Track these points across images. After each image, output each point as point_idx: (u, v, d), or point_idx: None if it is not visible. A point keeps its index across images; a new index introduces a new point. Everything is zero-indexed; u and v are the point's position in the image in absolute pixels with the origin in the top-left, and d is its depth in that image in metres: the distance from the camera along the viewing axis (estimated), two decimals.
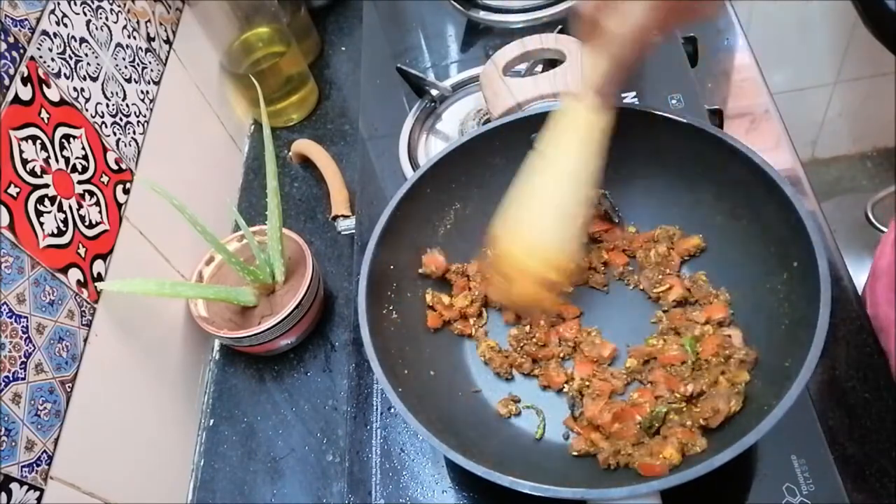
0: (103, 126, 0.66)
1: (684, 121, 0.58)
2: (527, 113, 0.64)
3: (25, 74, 0.57)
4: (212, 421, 0.74)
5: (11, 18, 0.57)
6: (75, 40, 0.64)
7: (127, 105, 0.70)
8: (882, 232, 1.32)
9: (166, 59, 0.80)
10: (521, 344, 0.61)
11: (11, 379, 0.50)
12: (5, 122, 0.54)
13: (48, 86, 0.59)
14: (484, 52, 0.90)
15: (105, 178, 0.65)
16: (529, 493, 0.45)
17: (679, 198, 0.63)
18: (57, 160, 0.59)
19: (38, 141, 0.57)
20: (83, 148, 0.62)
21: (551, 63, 0.74)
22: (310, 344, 0.77)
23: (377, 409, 0.64)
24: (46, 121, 0.58)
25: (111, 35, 0.70)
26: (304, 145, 0.90)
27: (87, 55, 0.65)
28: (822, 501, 0.51)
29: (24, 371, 0.51)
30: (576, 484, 0.45)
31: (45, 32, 0.60)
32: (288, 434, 0.71)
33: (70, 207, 0.59)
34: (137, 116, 0.72)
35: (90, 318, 0.59)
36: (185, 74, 0.84)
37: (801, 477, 0.52)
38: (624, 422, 0.54)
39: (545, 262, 0.52)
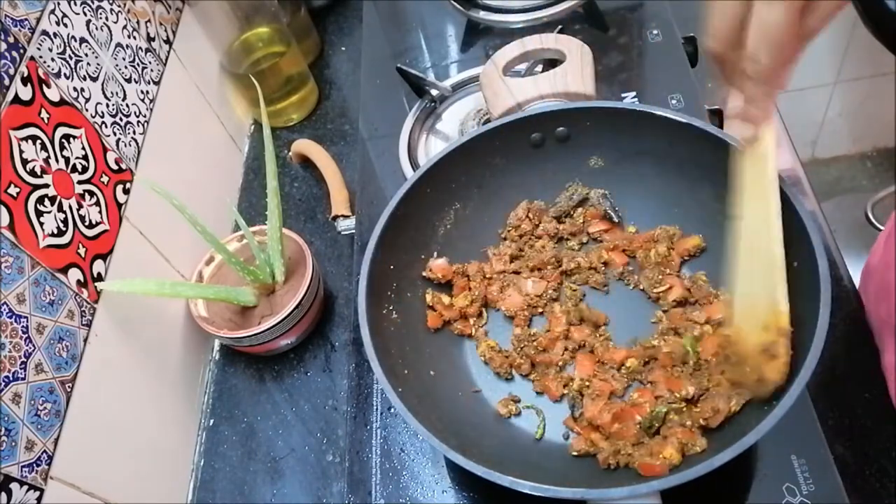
0: (103, 126, 0.66)
1: (684, 121, 0.58)
2: (527, 113, 0.64)
3: (25, 74, 0.57)
4: (212, 421, 0.74)
5: (11, 18, 0.57)
6: (75, 40, 0.64)
7: (127, 105, 0.70)
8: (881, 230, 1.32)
9: (166, 59, 0.80)
10: (522, 345, 0.61)
11: (11, 379, 0.50)
12: (5, 122, 0.54)
13: (48, 86, 0.59)
14: (484, 52, 0.90)
15: (105, 178, 0.65)
16: (529, 493, 0.45)
17: (679, 198, 0.63)
18: (57, 160, 0.59)
19: (38, 141, 0.57)
20: (83, 148, 0.62)
21: (551, 63, 0.74)
22: (310, 344, 0.77)
23: (377, 409, 0.64)
24: (46, 121, 0.58)
25: (111, 35, 0.70)
26: (304, 145, 0.90)
27: (87, 55, 0.65)
28: (822, 501, 0.51)
29: (24, 371, 0.51)
30: (576, 484, 0.45)
31: (45, 32, 0.60)
32: (288, 434, 0.71)
33: (70, 207, 0.59)
34: (137, 116, 0.72)
35: (90, 318, 0.59)
36: (185, 74, 0.84)
37: (801, 477, 0.52)
38: (624, 422, 0.54)
39: (755, 324, 0.49)
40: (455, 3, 0.96)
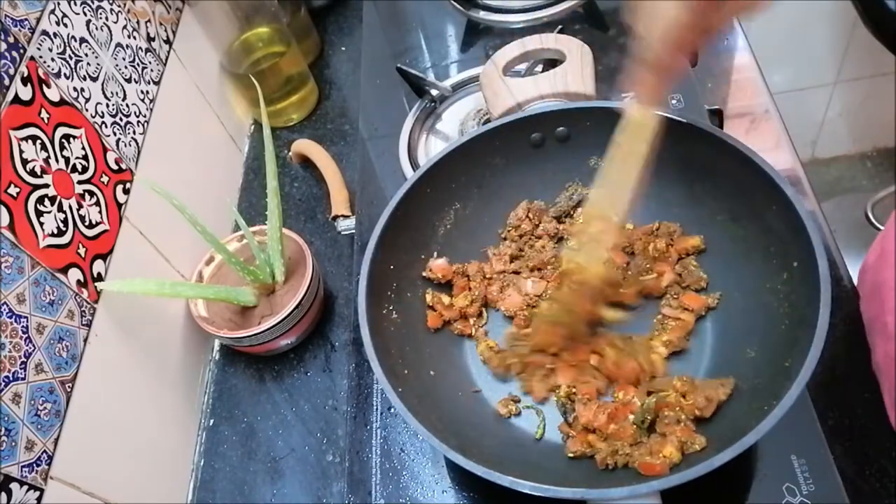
0: (103, 126, 0.66)
1: (684, 121, 0.58)
2: (527, 113, 0.64)
3: (25, 74, 0.57)
4: (212, 421, 0.74)
5: (11, 18, 0.57)
6: (75, 40, 0.64)
7: (127, 105, 0.70)
8: (881, 230, 1.32)
9: (166, 59, 0.80)
10: (512, 345, 0.61)
11: (11, 379, 0.50)
12: (5, 122, 0.54)
13: (48, 86, 0.59)
14: (484, 52, 0.90)
15: (105, 178, 0.65)
16: (529, 493, 0.45)
17: (679, 198, 0.63)
18: (57, 160, 0.59)
19: (38, 141, 0.57)
20: (83, 148, 0.62)
21: (551, 63, 0.74)
22: (310, 344, 0.77)
23: (377, 409, 0.64)
24: (46, 121, 0.58)
25: (111, 35, 0.70)
26: (304, 145, 0.91)
27: (87, 55, 0.65)
28: (822, 501, 0.51)
29: (24, 371, 0.51)
30: (576, 484, 0.45)
31: (45, 32, 0.60)
32: (288, 434, 0.71)
33: (70, 207, 0.59)
34: (137, 116, 0.72)
35: (90, 318, 0.59)
36: (185, 74, 0.84)
37: (801, 477, 0.52)
38: (619, 422, 0.54)
39: (596, 272, 0.56)
40: (455, 3, 0.96)
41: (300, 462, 0.69)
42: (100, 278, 0.61)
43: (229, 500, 0.69)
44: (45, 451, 0.52)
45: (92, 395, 0.58)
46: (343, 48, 1.05)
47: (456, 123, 0.84)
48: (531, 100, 0.67)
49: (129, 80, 0.72)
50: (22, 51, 0.57)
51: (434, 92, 0.85)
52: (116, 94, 0.69)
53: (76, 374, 0.56)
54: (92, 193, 0.62)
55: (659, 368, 0.57)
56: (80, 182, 0.61)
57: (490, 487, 0.46)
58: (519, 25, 0.92)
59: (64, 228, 0.58)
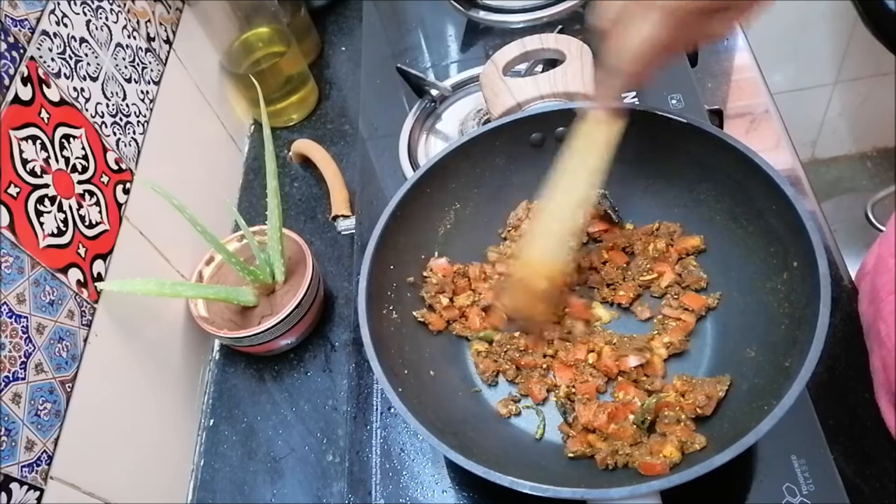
0: (103, 126, 0.66)
1: (684, 121, 0.58)
2: (527, 113, 0.64)
3: (25, 74, 0.57)
4: (212, 421, 0.74)
5: (11, 18, 0.57)
6: (75, 40, 0.64)
7: (127, 105, 0.70)
8: (882, 232, 1.32)
9: (166, 59, 0.80)
10: (505, 349, 0.61)
11: (11, 379, 0.50)
12: (5, 122, 0.54)
13: (48, 86, 0.59)
14: (484, 52, 0.90)
15: (105, 178, 0.65)
16: (529, 493, 0.45)
17: (679, 198, 0.63)
18: (57, 160, 0.59)
19: (38, 141, 0.57)
20: (83, 148, 0.62)
21: (551, 63, 0.74)
22: (310, 344, 0.77)
23: (377, 409, 0.64)
24: (46, 121, 0.58)
25: (111, 35, 0.70)
26: (304, 145, 0.90)
27: (87, 55, 0.65)
28: (822, 501, 0.51)
29: (24, 371, 0.51)
30: (576, 484, 0.45)
31: (45, 32, 0.60)
32: (288, 434, 0.71)
33: (70, 207, 0.59)
34: (137, 116, 0.72)
35: (90, 318, 0.59)
36: (185, 74, 0.84)
37: (801, 477, 0.52)
38: (619, 421, 0.54)
39: (537, 271, 0.55)
40: (455, 3, 0.96)
41: (300, 462, 0.69)
42: (100, 278, 0.61)
43: (229, 500, 0.69)
44: (45, 451, 0.52)
45: (92, 395, 0.58)
46: (343, 48, 1.05)
47: (456, 123, 0.84)
48: (531, 100, 0.67)
49: (129, 80, 0.72)
50: (22, 51, 0.57)
51: (434, 92, 0.85)
52: (116, 94, 0.69)
53: (76, 374, 0.56)
54: (92, 193, 0.62)
55: (658, 369, 0.57)
56: (80, 182, 0.61)
57: (490, 487, 0.46)
58: (519, 25, 0.92)
59: (64, 228, 0.58)
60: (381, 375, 0.51)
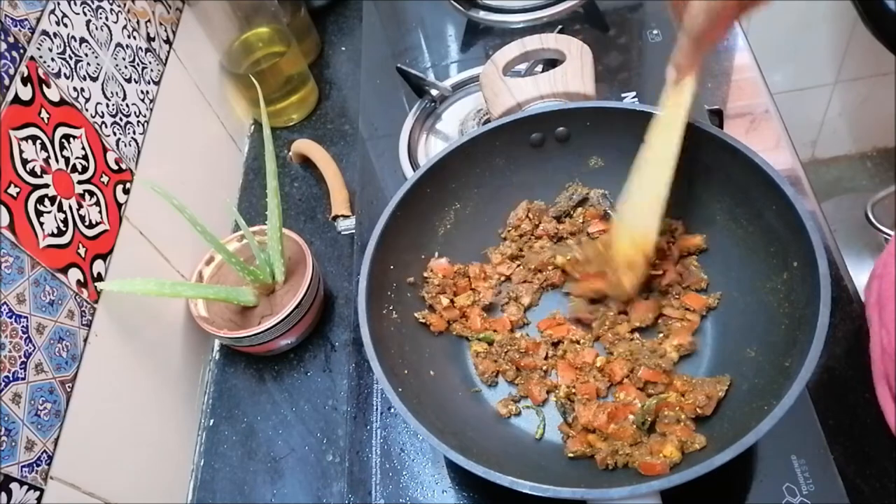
0: (103, 126, 0.66)
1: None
2: (527, 113, 0.64)
3: (25, 74, 0.57)
4: (212, 421, 0.74)
5: (11, 18, 0.57)
6: (75, 40, 0.64)
7: (127, 105, 0.70)
8: (882, 232, 1.32)
9: (166, 59, 0.80)
10: (505, 350, 0.60)
11: (11, 379, 0.50)
12: (5, 122, 0.54)
13: (48, 86, 0.59)
14: (484, 52, 0.90)
15: (105, 178, 0.65)
16: (529, 493, 0.45)
17: (679, 197, 0.63)
18: (57, 160, 0.59)
19: (38, 141, 0.57)
20: (83, 148, 0.62)
21: (551, 63, 0.74)
22: (310, 344, 0.77)
23: (377, 409, 0.64)
24: (46, 121, 0.58)
25: (111, 35, 0.70)
26: (304, 145, 0.90)
27: (87, 55, 0.65)
28: (822, 501, 0.51)
29: (24, 371, 0.51)
30: (576, 484, 0.45)
31: (45, 32, 0.60)
32: (288, 434, 0.71)
33: (70, 207, 0.59)
34: (137, 116, 0.72)
35: (90, 318, 0.59)
36: (185, 74, 0.84)
37: (801, 477, 0.52)
38: (619, 421, 0.54)
39: (628, 239, 0.57)
40: (455, 3, 0.96)
41: (300, 462, 0.69)
42: (100, 278, 0.61)
43: (229, 500, 0.69)
44: (45, 451, 0.52)
45: (92, 395, 0.58)
46: (343, 48, 1.05)
47: (456, 123, 0.84)
48: (531, 100, 0.67)
49: (129, 80, 0.72)
50: (22, 51, 0.57)
51: (434, 92, 0.85)
52: (116, 94, 0.69)
53: (76, 374, 0.56)
54: (92, 193, 0.62)
55: (669, 377, 0.56)
56: (80, 182, 0.61)
57: (490, 487, 0.46)
58: (519, 25, 0.92)
59: (64, 228, 0.58)
60: (381, 375, 0.51)
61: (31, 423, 0.51)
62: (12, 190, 0.53)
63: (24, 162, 0.55)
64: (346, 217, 0.82)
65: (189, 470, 0.71)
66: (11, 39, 0.56)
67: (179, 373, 0.73)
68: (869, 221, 1.36)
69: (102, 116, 0.66)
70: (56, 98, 0.60)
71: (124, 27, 0.73)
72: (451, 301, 0.63)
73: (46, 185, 0.57)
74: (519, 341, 0.60)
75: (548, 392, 0.58)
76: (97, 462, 0.58)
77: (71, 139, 0.61)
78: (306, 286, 0.71)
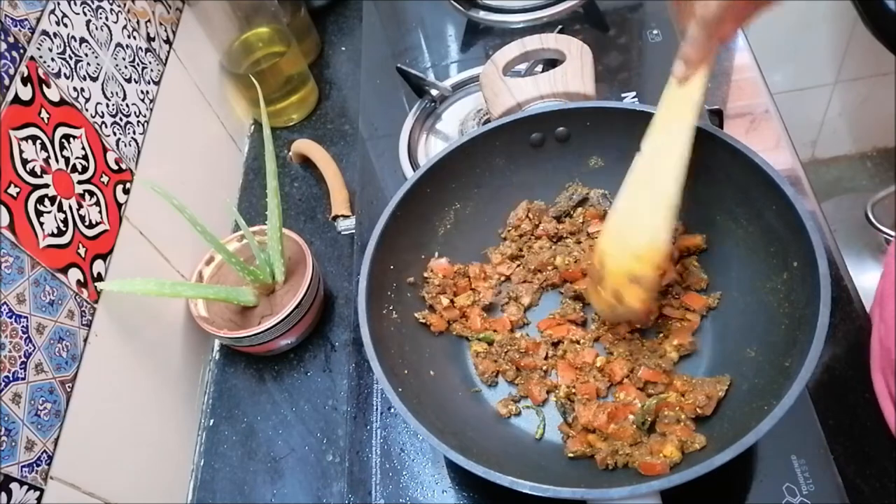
0: (103, 126, 0.66)
1: None
2: (527, 113, 0.64)
3: (25, 74, 0.57)
4: (212, 421, 0.74)
5: (11, 18, 0.57)
6: (75, 40, 0.64)
7: (127, 105, 0.70)
8: (882, 232, 1.32)
9: (166, 59, 0.80)
10: (505, 350, 0.60)
11: (11, 379, 0.50)
12: (5, 122, 0.54)
13: (48, 86, 0.59)
14: (484, 52, 0.90)
15: (105, 178, 0.65)
16: (529, 492, 0.45)
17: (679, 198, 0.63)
18: (57, 160, 0.59)
19: (38, 141, 0.57)
20: (83, 148, 0.62)
21: (551, 63, 0.74)
22: (310, 344, 0.77)
23: (377, 409, 0.64)
24: (46, 121, 0.58)
25: (111, 35, 0.70)
26: (304, 145, 0.90)
27: (87, 55, 0.65)
28: (822, 501, 0.51)
29: (24, 371, 0.51)
30: (576, 484, 0.45)
31: (45, 32, 0.60)
32: (288, 434, 0.71)
33: (70, 207, 0.59)
34: (137, 116, 0.72)
35: (90, 318, 0.59)
36: (185, 74, 0.84)
37: (801, 477, 0.52)
38: (619, 421, 0.54)
39: (630, 255, 0.52)
40: (455, 3, 0.96)
41: (300, 462, 0.69)
42: (100, 278, 0.61)
43: (229, 500, 0.69)
44: (45, 451, 0.52)
45: (92, 395, 0.58)
46: (343, 48, 1.05)
47: (456, 123, 0.84)
48: (531, 100, 0.67)
49: (129, 80, 0.72)
50: (22, 51, 0.57)
51: (434, 92, 0.85)
52: (116, 94, 0.69)
53: (76, 374, 0.56)
54: (92, 193, 0.62)
55: (669, 377, 0.56)
56: (80, 182, 0.61)
57: (490, 487, 0.46)
58: (519, 25, 0.92)
59: (64, 228, 0.58)
60: (381, 375, 0.51)
61: (31, 423, 0.51)
62: (12, 190, 0.53)
63: (24, 162, 0.55)
64: (346, 217, 0.82)
65: (189, 470, 0.71)
66: (11, 39, 0.56)
67: (179, 373, 0.73)
68: (869, 221, 1.36)
69: (102, 116, 0.66)
70: (56, 98, 0.60)
71: (124, 27, 0.73)
72: (451, 301, 0.63)
73: (46, 185, 0.57)
74: (519, 341, 0.60)
75: (548, 392, 0.58)
76: (97, 462, 0.58)
77: (71, 139, 0.61)
78: (306, 286, 0.71)
